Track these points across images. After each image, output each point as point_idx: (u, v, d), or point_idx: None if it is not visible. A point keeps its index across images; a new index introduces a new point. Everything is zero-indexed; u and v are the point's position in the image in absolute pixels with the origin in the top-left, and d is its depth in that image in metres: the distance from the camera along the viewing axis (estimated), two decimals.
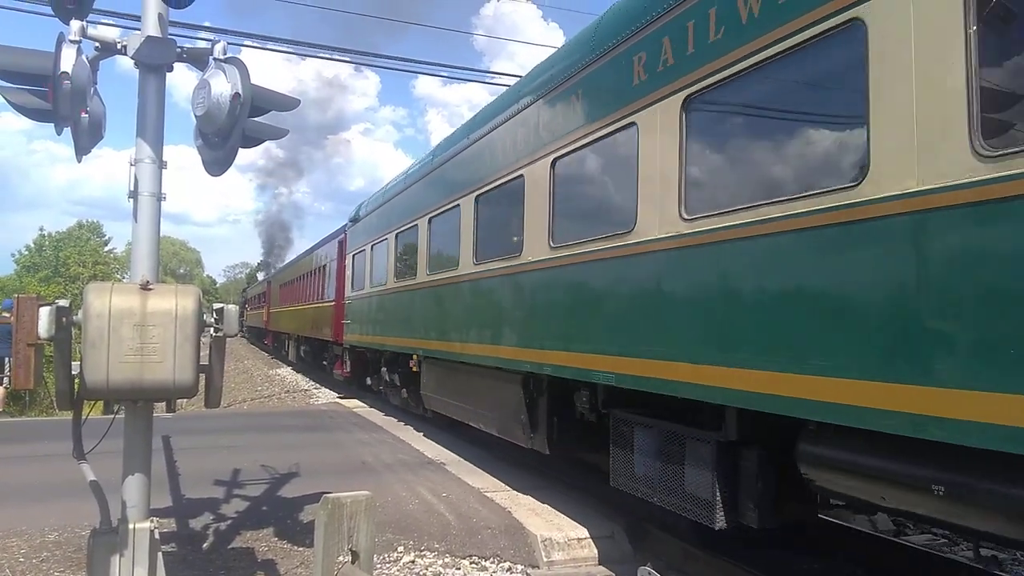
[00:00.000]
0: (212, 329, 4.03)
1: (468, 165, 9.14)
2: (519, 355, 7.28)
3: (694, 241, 4.81)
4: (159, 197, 3.99)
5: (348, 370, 17.36)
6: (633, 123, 5.54)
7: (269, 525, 6.50)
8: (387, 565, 5.84)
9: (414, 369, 11.38)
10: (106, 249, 54.87)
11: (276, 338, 37.82)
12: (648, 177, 5.35)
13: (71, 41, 3.60)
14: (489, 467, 9.30)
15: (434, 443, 11.13)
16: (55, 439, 9.52)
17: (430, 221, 10.61)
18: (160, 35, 3.98)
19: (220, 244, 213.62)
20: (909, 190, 3.30)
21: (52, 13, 3.83)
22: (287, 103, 4.45)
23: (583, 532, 6.54)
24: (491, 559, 6.13)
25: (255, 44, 19.83)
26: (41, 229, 54.09)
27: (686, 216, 4.89)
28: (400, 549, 6.12)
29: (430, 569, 5.86)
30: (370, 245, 14.59)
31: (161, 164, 4.00)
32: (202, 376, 3.93)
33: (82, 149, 4.06)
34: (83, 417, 3.94)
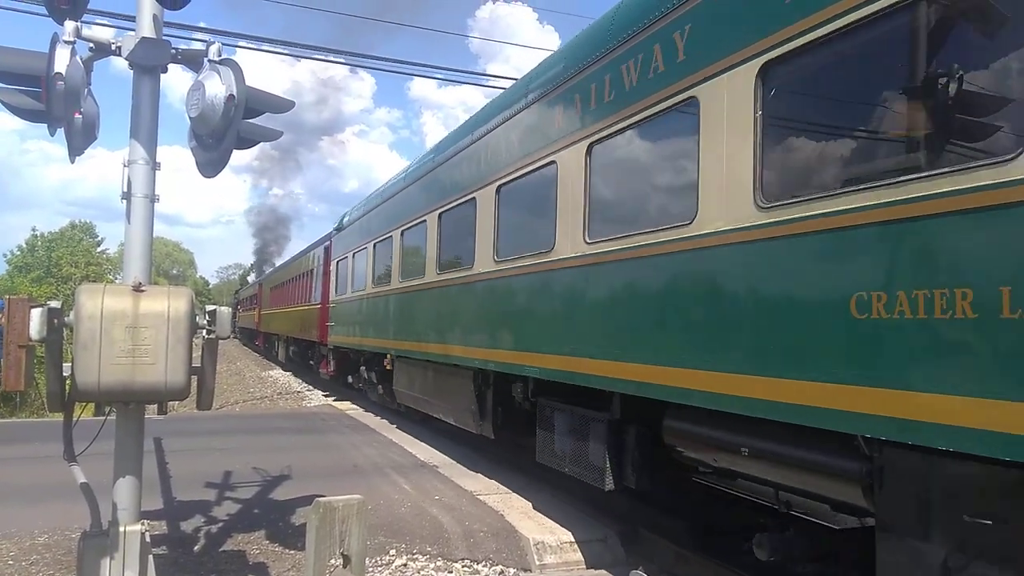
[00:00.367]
0: (204, 331, 4.02)
1: (433, 186, 10.32)
2: (470, 354, 8.36)
3: (593, 261, 5.86)
4: (152, 198, 3.99)
5: (333, 369, 18.25)
6: (554, 161, 6.54)
7: (261, 528, 6.48)
8: (379, 568, 5.83)
9: (388, 367, 12.47)
10: (99, 250, 54.67)
11: (267, 339, 38.69)
12: (564, 207, 6.38)
13: (65, 42, 3.60)
14: (482, 470, 9.30)
15: (427, 445, 11.12)
16: (46, 441, 9.47)
17: (402, 233, 11.68)
18: (155, 36, 3.98)
19: (214, 245, 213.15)
20: (719, 229, 4.41)
21: (46, 13, 3.82)
22: (281, 105, 4.45)
23: (576, 535, 6.54)
24: (483, 562, 6.13)
25: (250, 45, 19.79)
26: (33, 229, 53.96)
27: (588, 240, 5.95)
28: (392, 552, 6.11)
29: (422, 572, 5.85)
30: (352, 253, 15.67)
31: (155, 165, 4.00)
32: (194, 378, 3.93)
33: (76, 150, 4.06)
34: (74, 419, 3.93)
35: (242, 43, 17.98)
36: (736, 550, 5.59)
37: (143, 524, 3.93)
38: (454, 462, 9.82)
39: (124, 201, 3.95)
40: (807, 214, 3.78)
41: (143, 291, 3.68)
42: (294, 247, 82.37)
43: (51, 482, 7.16)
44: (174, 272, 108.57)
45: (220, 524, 6.58)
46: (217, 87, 3.81)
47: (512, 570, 6.09)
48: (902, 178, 3.30)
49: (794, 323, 3.89)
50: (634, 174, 5.72)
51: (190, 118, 3.95)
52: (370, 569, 5.68)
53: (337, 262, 17.51)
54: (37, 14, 15.27)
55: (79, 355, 3.50)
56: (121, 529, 3.80)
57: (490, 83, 42.70)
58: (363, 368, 15.27)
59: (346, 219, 16.99)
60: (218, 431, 12.10)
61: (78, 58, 3.66)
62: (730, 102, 4.43)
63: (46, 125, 3.83)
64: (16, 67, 3.81)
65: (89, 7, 3.93)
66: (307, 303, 22.75)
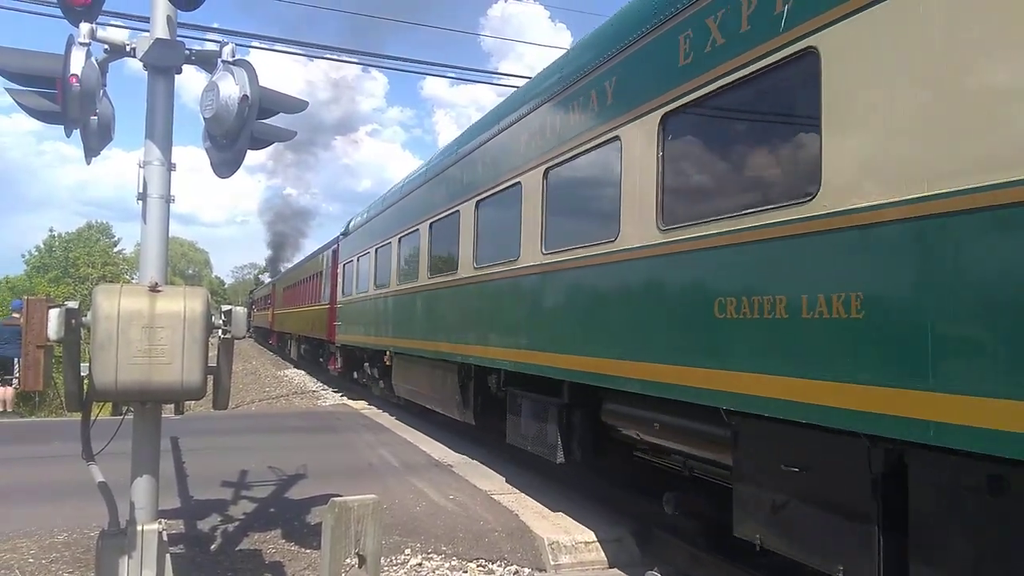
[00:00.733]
0: (220, 331, 4.03)
1: (424, 199, 11.43)
2: (455, 350, 9.35)
3: (548, 269, 6.82)
4: (168, 199, 4.00)
5: (340, 366, 19.57)
6: (519, 183, 7.52)
7: (277, 527, 6.51)
8: (394, 568, 5.83)
9: (387, 363, 13.73)
10: (115, 250, 55.03)
11: (280, 338, 39.82)
12: (526, 222, 7.30)
13: (80, 43, 3.61)
14: (496, 469, 9.29)
15: (441, 445, 11.13)
16: (64, 440, 9.59)
17: (400, 240, 12.76)
18: (169, 37, 4.00)
19: (228, 245, 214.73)
20: (633, 245, 5.40)
21: (62, 15, 3.84)
22: (295, 105, 4.46)
23: (590, 536, 6.52)
24: (498, 562, 6.12)
25: (263, 46, 19.86)
26: (51, 230, 54.20)
27: (545, 251, 6.87)
28: (407, 552, 6.12)
29: (437, 572, 5.85)
30: (356, 257, 16.80)
31: (170, 166, 4.01)
32: (210, 378, 3.94)
33: (91, 151, 4.08)
34: (92, 418, 3.95)
35: (255, 43, 18.04)
36: (751, 551, 5.54)
37: (160, 523, 3.95)
38: (469, 461, 9.83)
39: (140, 202, 3.96)
40: (689, 236, 4.76)
41: (159, 291, 3.70)
42: (308, 246, 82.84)
43: (70, 481, 7.23)
44: (190, 272, 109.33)
45: (236, 523, 6.62)
46: (231, 88, 3.82)
47: (527, 570, 6.08)
48: (743, 212, 4.28)
49: (680, 321, 4.89)
50: (578, 196, 6.72)
51: (204, 119, 3.96)
52: (385, 568, 5.69)
53: (343, 265, 18.63)
54: (52, 16, 15.41)
55: (96, 355, 3.52)
56: (139, 528, 3.82)
57: (502, 81, 42.94)
58: (366, 364, 16.39)
59: (352, 224, 18.16)
60: (234, 430, 12.18)
61: (93, 60, 3.67)
62: (641, 143, 5.39)
63: (62, 127, 3.85)
64: (32, 69, 3.83)
65: (104, 9, 3.94)
66: (317, 303, 23.85)
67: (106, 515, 3.95)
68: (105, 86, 3.95)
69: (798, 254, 3.86)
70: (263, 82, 3.94)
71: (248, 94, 3.81)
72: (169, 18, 3.99)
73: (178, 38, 4.12)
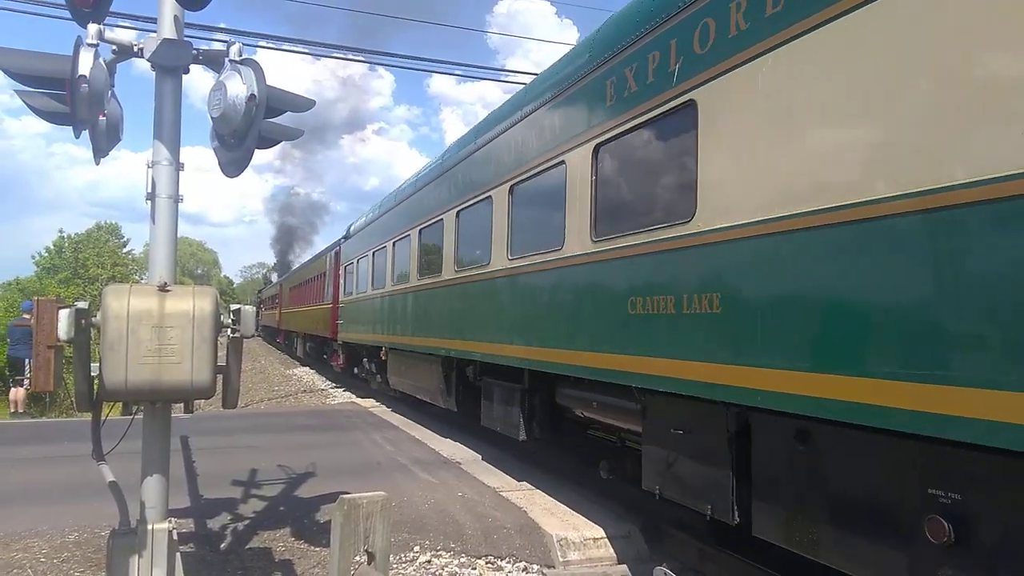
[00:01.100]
0: (229, 330, 4.04)
1: (414, 207, 12.53)
2: (440, 344, 10.42)
3: (513, 272, 7.94)
4: (176, 199, 4.00)
5: (343, 362, 20.81)
6: (490, 196, 8.67)
7: (286, 525, 6.53)
8: (403, 565, 5.85)
9: (383, 358, 14.93)
10: (124, 250, 55.34)
11: (287, 336, 40.89)
12: (496, 231, 8.43)
13: (88, 44, 3.62)
14: (504, 466, 9.30)
15: (450, 442, 11.15)
16: (75, 440, 9.63)
17: (394, 244, 13.87)
18: (176, 37, 4.00)
19: (237, 244, 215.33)
20: (575, 253, 6.42)
21: (70, 17, 3.85)
22: (302, 104, 4.45)
23: (599, 532, 6.52)
24: (507, 559, 6.12)
25: (270, 45, 19.89)
26: (60, 231, 54.63)
27: (510, 257, 8.01)
28: (416, 549, 6.13)
29: (446, 569, 5.86)
30: (356, 259, 17.98)
31: (178, 166, 4.01)
32: (219, 377, 3.95)
33: (100, 151, 4.09)
34: (102, 418, 3.96)
35: (262, 43, 18.04)
36: (760, 546, 5.53)
37: (170, 522, 3.96)
38: (477, 459, 9.84)
39: (148, 202, 3.97)
40: (612, 247, 5.83)
41: (168, 291, 3.71)
42: (318, 243, 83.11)
43: (80, 481, 7.27)
44: (199, 272, 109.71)
45: (246, 522, 6.64)
46: (238, 87, 3.82)
47: (536, 566, 6.08)
48: (647, 228, 5.37)
49: (606, 317, 5.87)
50: (536, 209, 7.67)
51: (212, 118, 3.96)
52: (394, 566, 5.70)
53: (344, 266, 19.92)
54: (60, 17, 15.48)
55: (106, 355, 3.53)
56: (149, 527, 3.83)
57: (508, 79, 42.90)
58: (365, 360, 17.71)
59: (352, 228, 19.45)
60: (244, 429, 12.22)
61: (101, 60, 3.68)
62: (581, 167, 6.38)
63: (71, 127, 3.86)
64: (41, 71, 3.84)
65: (111, 10, 3.95)
66: (321, 303, 25.04)
67: (116, 514, 3.97)
68: (113, 86, 3.96)
69: (679, 263, 4.96)
70: (270, 81, 3.94)
71: (255, 93, 3.81)
72: (176, 18, 4.00)
73: (185, 38, 4.12)
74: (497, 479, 8.58)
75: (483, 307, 8.82)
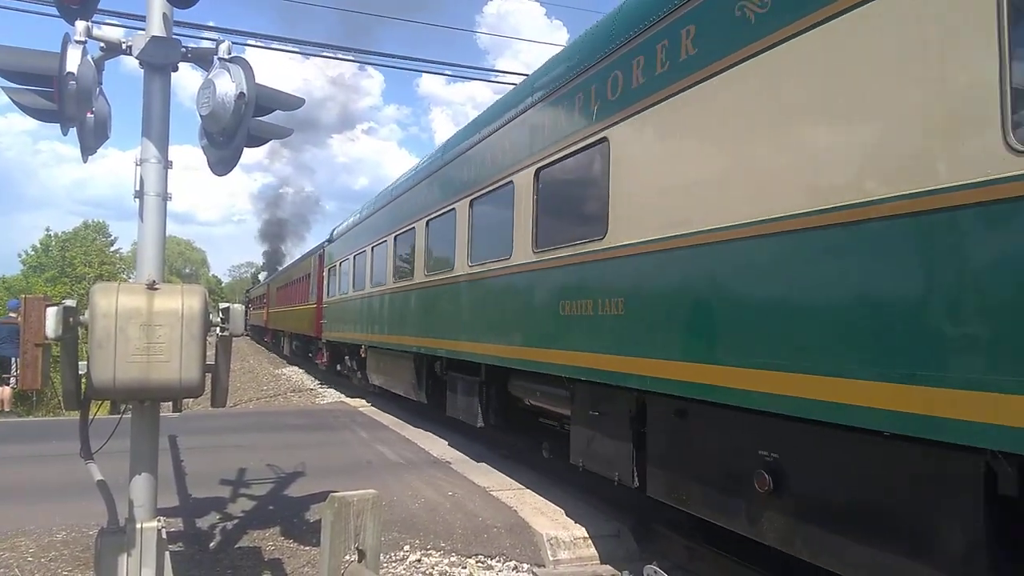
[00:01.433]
0: (218, 328, 4.03)
1: (393, 213, 13.49)
2: (413, 342, 11.37)
3: (472, 277, 8.85)
4: (165, 197, 3.99)
5: (326, 360, 21.73)
6: (453, 208, 9.58)
7: (276, 524, 6.52)
8: (393, 564, 5.85)
9: (363, 356, 15.86)
10: (112, 249, 54.79)
11: (274, 335, 41.71)
12: (459, 238, 9.36)
13: (76, 41, 3.60)
14: (495, 465, 9.31)
15: (440, 441, 11.15)
16: (62, 439, 9.56)
17: (372, 249, 14.82)
18: (165, 35, 3.98)
19: (225, 243, 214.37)
20: (521, 262, 7.35)
21: (57, 14, 3.83)
22: (292, 102, 4.45)
23: (589, 531, 6.54)
24: (497, 558, 6.13)
25: (259, 44, 19.79)
26: (47, 229, 54.13)
27: (470, 264, 8.93)
28: (406, 548, 6.13)
29: (436, 568, 5.87)
30: (339, 261, 19.00)
31: (166, 164, 3.99)
32: (208, 375, 3.93)
33: (88, 149, 4.07)
34: (90, 417, 3.94)
35: (251, 41, 17.94)
36: (748, 544, 5.56)
37: (159, 521, 3.95)
38: (467, 458, 9.84)
39: (137, 200, 3.95)
40: (548, 257, 6.75)
41: (157, 289, 3.69)
42: (306, 244, 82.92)
43: (68, 479, 7.23)
44: (187, 271, 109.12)
45: (236, 521, 6.62)
46: (227, 85, 3.81)
47: (526, 565, 6.09)
48: (573, 243, 6.32)
49: (544, 318, 6.78)
50: (491, 221, 8.49)
51: (201, 116, 3.94)
52: (384, 565, 5.70)
53: (328, 268, 20.85)
54: (48, 15, 15.36)
55: (94, 353, 3.51)
56: (138, 526, 3.82)
57: (498, 79, 42.66)
58: (347, 357, 18.71)
59: (335, 232, 20.38)
60: (233, 428, 12.18)
61: (89, 58, 3.66)
62: (524, 188, 7.34)
63: (59, 125, 3.84)
64: (28, 67, 3.81)
65: (99, 6, 3.93)
66: (306, 303, 26.11)
67: (105, 513, 3.96)
68: (101, 84, 3.94)
69: (595, 272, 5.90)
70: (259, 79, 3.93)
71: (245, 91, 3.80)
72: (165, 16, 3.98)
73: (174, 36, 4.11)
74: (487, 478, 8.58)
75: (448, 308, 9.71)
